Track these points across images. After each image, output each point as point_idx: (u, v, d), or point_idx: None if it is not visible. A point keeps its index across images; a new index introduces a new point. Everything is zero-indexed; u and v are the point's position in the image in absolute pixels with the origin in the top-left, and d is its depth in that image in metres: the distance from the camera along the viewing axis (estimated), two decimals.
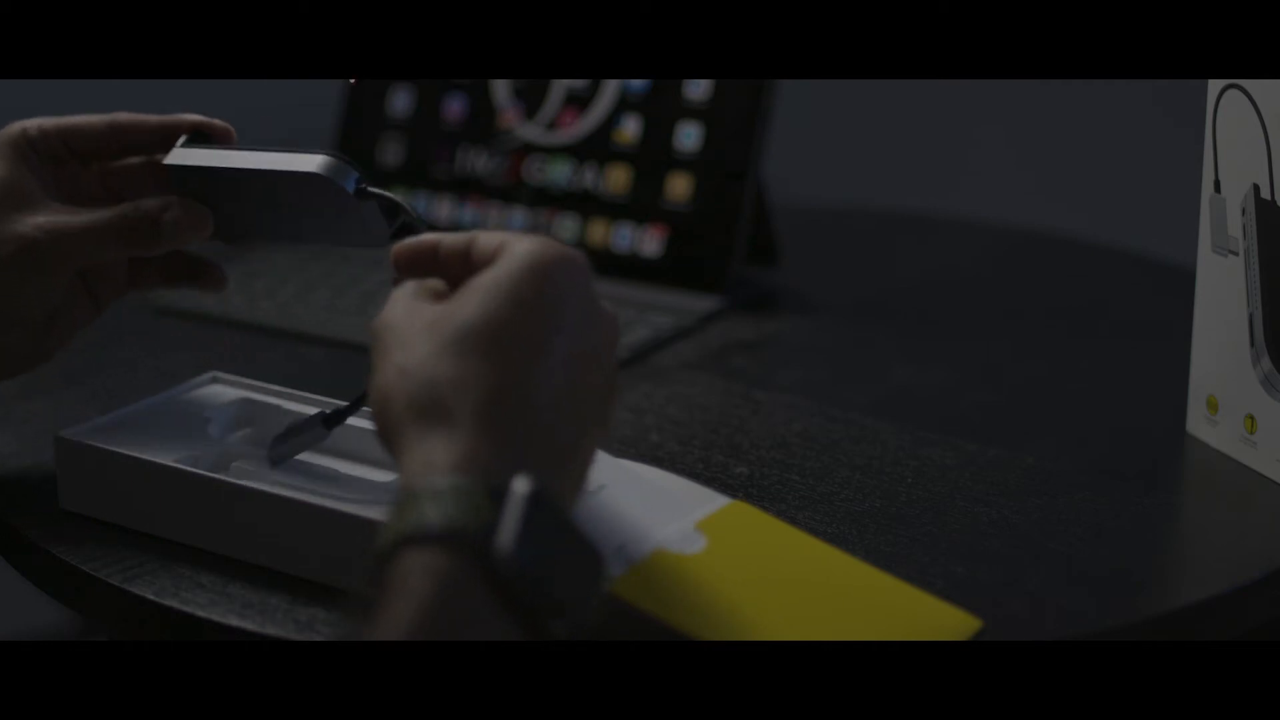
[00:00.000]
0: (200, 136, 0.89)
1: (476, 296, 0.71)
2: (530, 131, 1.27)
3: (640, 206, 1.23)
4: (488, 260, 0.73)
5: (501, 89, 1.28)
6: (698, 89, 1.22)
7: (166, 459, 0.85)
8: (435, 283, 0.74)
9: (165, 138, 0.89)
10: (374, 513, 0.78)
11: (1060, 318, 1.19)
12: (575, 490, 0.71)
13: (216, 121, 0.89)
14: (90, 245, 0.86)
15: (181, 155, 0.88)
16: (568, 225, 1.24)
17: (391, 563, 0.64)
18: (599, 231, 1.24)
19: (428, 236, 0.76)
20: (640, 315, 1.16)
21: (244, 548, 0.83)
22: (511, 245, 0.72)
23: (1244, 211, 0.91)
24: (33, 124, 0.88)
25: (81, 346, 0.93)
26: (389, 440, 0.70)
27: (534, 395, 0.69)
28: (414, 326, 0.71)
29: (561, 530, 0.67)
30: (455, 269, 0.74)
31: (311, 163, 0.84)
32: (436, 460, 0.67)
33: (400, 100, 1.31)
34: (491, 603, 0.64)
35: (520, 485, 0.66)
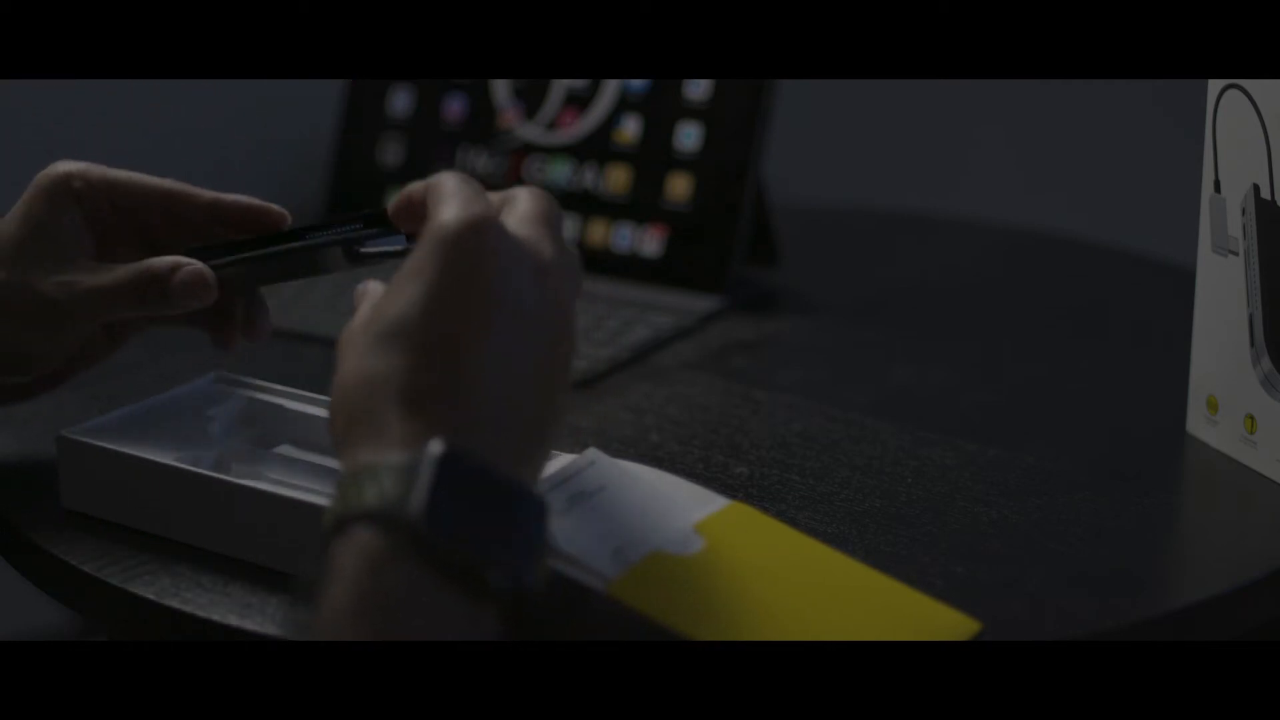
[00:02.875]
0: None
1: (391, 291, 0.71)
2: (530, 131, 1.27)
3: (640, 206, 1.23)
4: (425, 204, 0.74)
5: (501, 89, 1.28)
6: (698, 89, 1.22)
7: (168, 458, 0.85)
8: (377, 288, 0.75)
9: (213, 215, 0.89)
10: None
11: (1060, 318, 1.19)
12: (530, 448, 0.71)
13: (273, 207, 0.89)
14: (103, 307, 0.86)
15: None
16: (568, 225, 1.24)
17: (328, 554, 0.66)
18: (599, 231, 1.24)
19: (407, 188, 0.78)
20: (640, 315, 1.16)
21: (244, 547, 0.83)
22: (430, 219, 0.72)
23: (1244, 211, 0.91)
24: (78, 172, 0.88)
25: None
26: (339, 454, 0.70)
27: (457, 374, 0.69)
28: (346, 340, 0.72)
29: (490, 485, 0.67)
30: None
31: (392, 242, 0.84)
32: (360, 453, 0.68)
33: (400, 100, 1.31)
34: (422, 569, 0.64)
35: (434, 448, 0.66)
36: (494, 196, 0.76)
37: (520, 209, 0.74)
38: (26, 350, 0.87)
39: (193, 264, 0.86)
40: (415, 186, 0.77)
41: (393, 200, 0.79)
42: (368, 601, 0.64)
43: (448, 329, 0.70)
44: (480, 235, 0.71)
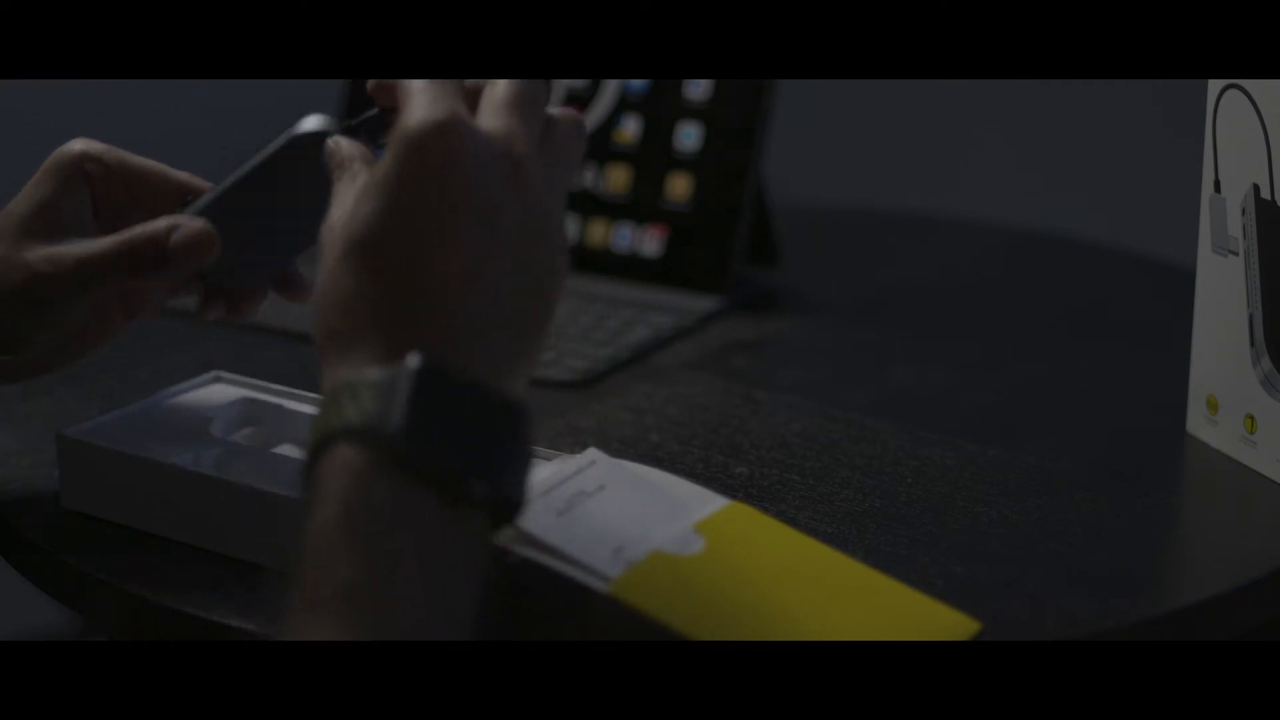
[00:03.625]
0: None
1: (360, 202, 0.69)
2: None
3: (640, 206, 1.23)
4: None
5: None
6: (698, 89, 1.23)
7: (168, 458, 0.85)
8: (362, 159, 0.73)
9: None
10: None
11: (1060, 318, 1.19)
12: (516, 358, 0.69)
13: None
14: (92, 277, 0.83)
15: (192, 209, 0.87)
16: (568, 225, 1.24)
17: (312, 472, 0.65)
18: (599, 231, 1.24)
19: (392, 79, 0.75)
20: (640, 315, 1.16)
21: (244, 547, 0.83)
22: (398, 126, 0.70)
23: (1244, 211, 0.91)
24: (95, 154, 0.86)
25: None
26: (320, 362, 0.70)
27: (427, 286, 0.67)
28: (325, 242, 0.70)
29: (468, 397, 0.66)
30: None
31: (291, 132, 0.83)
32: (338, 371, 0.67)
33: None
34: (405, 482, 0.64)
35: (411, 362, 0.66)
36: (469, 85, 0.73)
37: (494, 98, 0.72)
38: (14, 328, 0.85)
39: (191, 220, 0.84)
40: (398, 80, 0.73)
41: (374, 81, 0.77)
42: (354, 516, 0.63)
43: (415, 241, 0.68)
44: (445, 137, 0.68)
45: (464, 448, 0.65)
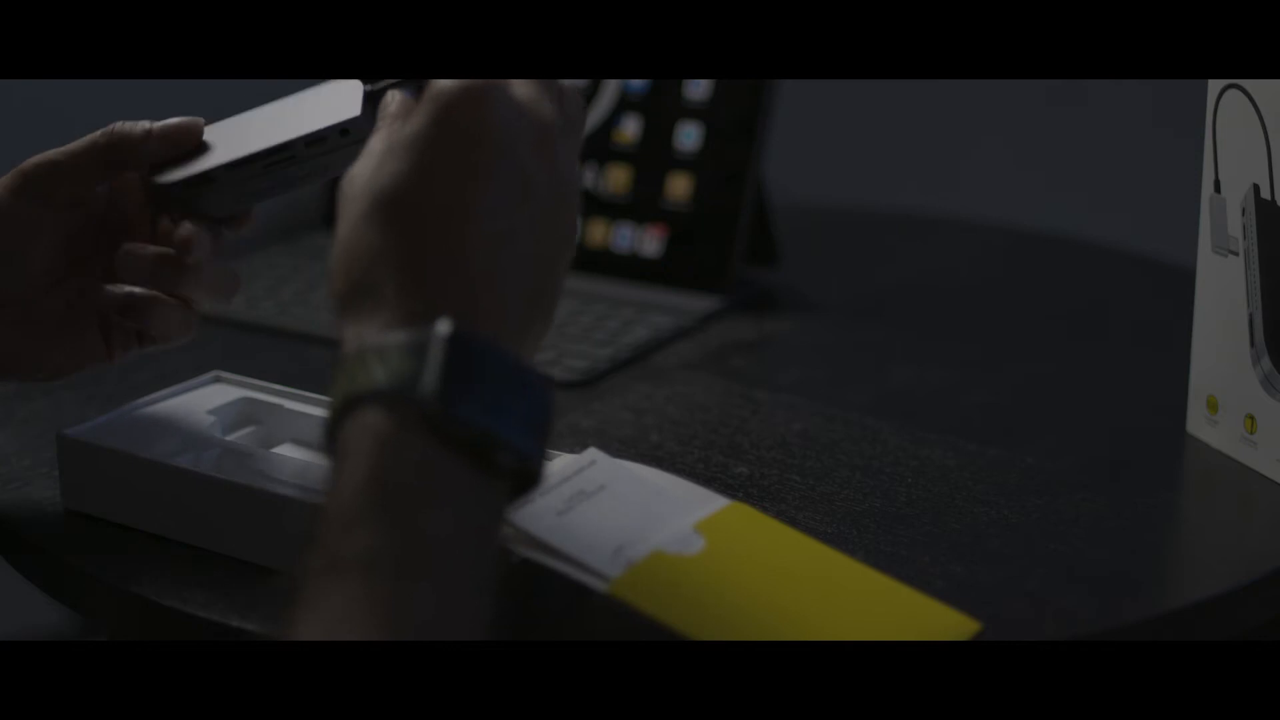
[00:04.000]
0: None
1: (387, 159, 0.70)
2: None
3: (640, 206, 1.23)
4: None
5: None
6: (698, 89, 1.23)
7: (168, 458, 0.85)
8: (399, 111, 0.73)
9: (155, 147, 0.86)
10: None
11: (1060, 318, 1.19)
12: (533, 323, 0.70)
13: (192, 119, 0.86)
14: (66, 181, 0.84)
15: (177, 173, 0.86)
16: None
17: (336, 434, 0.65)
18: (599, 231, 1.24)
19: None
20: (640, 315, 1.16)
21: (244, 547, 0.83)
22: (431, 87, 0.71)
23: (1244, 211, 0.91)
24: (23, 179, 0.86)
25: None
26: (336, 315, 0.70)
27: (457, 245, 0.68)
28: (347, 195, 0.70)
29: (496, 364, 0.66)
30: None
31: (345, 110, 0.82)
32: (364, 329, 0.67)
33: None
34: (434, 450, 0.64)
35: (441, 328, 0.66)
36: None
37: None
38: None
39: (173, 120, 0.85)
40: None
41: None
42: (382, 480, 0.63)
43: (445, 200, 0.68)
44: (479, 101, 0.70)
45: (495, 414, 0.65)
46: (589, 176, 1.25)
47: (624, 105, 1.24)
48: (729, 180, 1.21)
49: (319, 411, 0.90)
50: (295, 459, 0.87)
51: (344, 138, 0.83)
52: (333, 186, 1.33)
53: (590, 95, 1.25)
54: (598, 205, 1.24)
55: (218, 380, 0.94)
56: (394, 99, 0.75)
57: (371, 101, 0.81)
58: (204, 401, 0.91)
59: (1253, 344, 0.92)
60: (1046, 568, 0.83)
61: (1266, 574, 0.83)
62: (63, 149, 0.86)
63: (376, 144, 0.72)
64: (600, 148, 1.25)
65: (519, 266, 0.69)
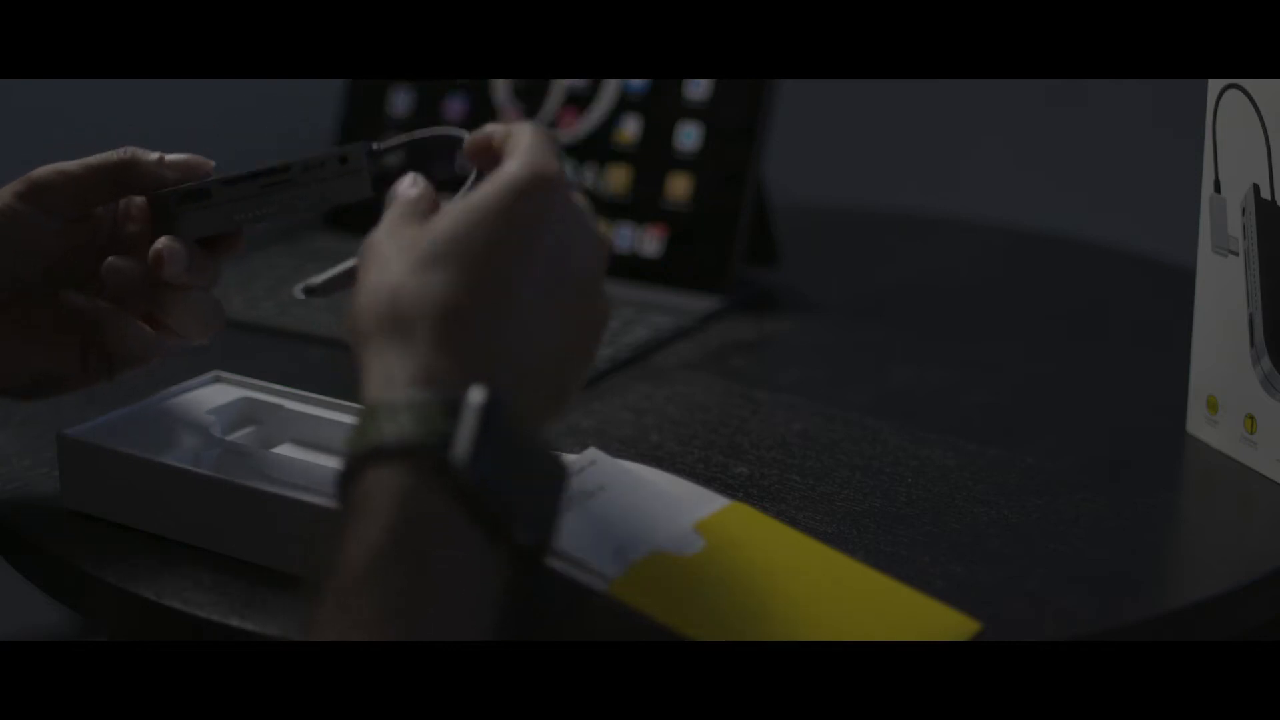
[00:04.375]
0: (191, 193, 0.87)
1: (450, 216, 0.71)
2: None
3: (640, 206, 1.23)
4: (501, 151, 0.75)
5: (501, 89, 1.28)
6: (698, 89, 1.23)
7: (168, 458, 0.85)
8: (427, 203, 0.75)
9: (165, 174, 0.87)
10: None
11: (1060, 318, 1.19)
12: (550, 410, 0.72)
13: (199, 158, 0.88)
14: (91, 184, 0.85)
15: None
16: None
17: (354, 482, 0.65)
18: None
19: (487, 128, 0.77)
20: (640, 315, 1.16)
21: (244, 547, 0.83)
22: (505, 162, 0.73)
23: (1244, 211, 0.91)
24: (32, 187, 0.86)
25: None
26: (357, 353, 0.70)
27: (499, 310, 0.69)
28: (392, 246, 0.72)
29: (519, 441, 0.67)
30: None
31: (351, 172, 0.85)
32: (395, 374, 0.67)
33: (400, 100, 1.31)
34: (453, 515, 0.64)
35: (475, 396, 0.66)
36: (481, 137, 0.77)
37: (540, 140, 0.75)
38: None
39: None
40: (495, 128, 0.77)
41: (470, 138, 0.78)
42: (401, 539, 0.63)
43: (500, 262, 0.70)
44: (550, 190, 0.72)
45: (515, 489, 0.66)
46: (589, 176, 1.25)
47: (624, 105, 1.24)
48: (729, 180, 1.21)
49: (319, 411, 0.90)
50: (295, 459, 0.87)
51: (341, 165, 0.85)
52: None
53: (590, 95, 1.25)
54: (598, 205, 1.24)
55: (218, 380, 0.94)
56: (401, 187, 0.76)
57: (374, 157, 0.85)
58: (204, 401, 0.91)
59: (1253, 344, 0.92)
60: (1046, 568, 0.83)
61: (1266, 574, 0.83)
62: (77, 162, 0.86)
63: (400, 203, 0.74)
64: (600, 148, 1.25)
65: (549, 347, 0.71)
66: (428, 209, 0.74)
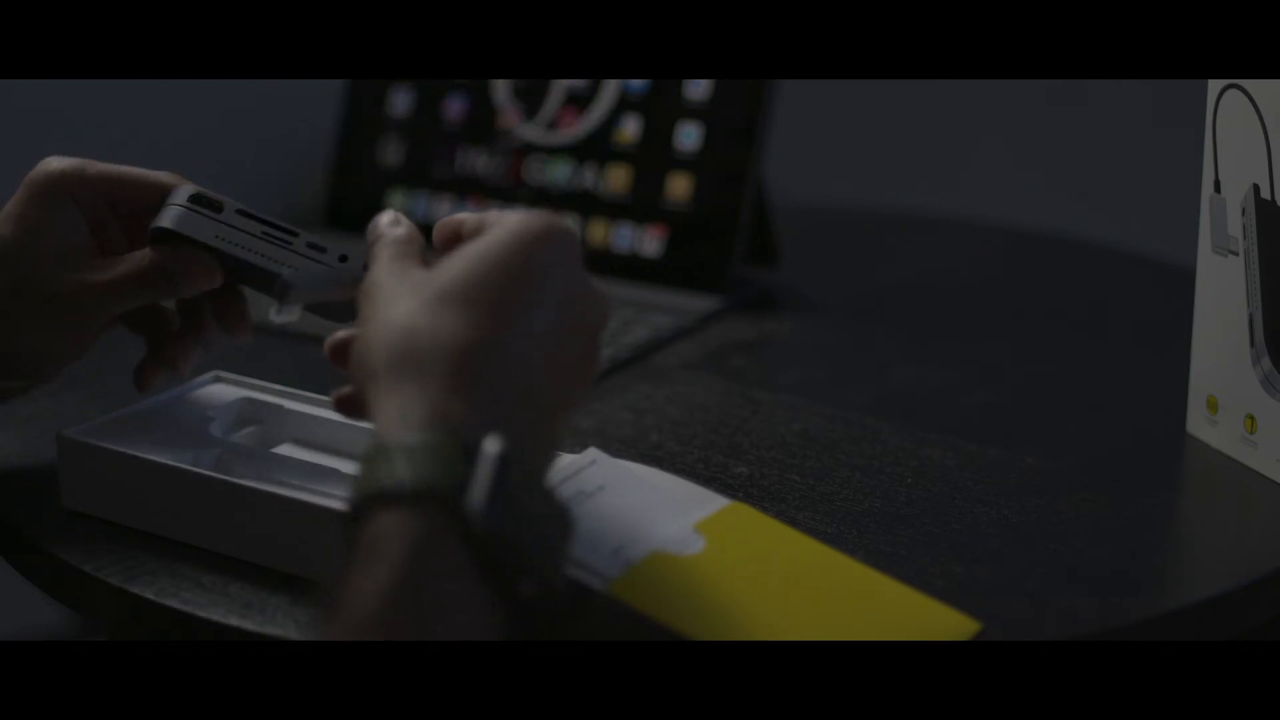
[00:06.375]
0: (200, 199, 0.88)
1: (462, 259, 0.71)
2: (530, 131, 1.27)
3: (640, 206, 1.23)
4: (475, 233, 0.74)
5: (501, 89, 1.28)
6: (698, 89, 1.23)
7: (169, 458, 0.85)
8: (417, 244, 0.76)
9: None
10: None
11: (1060, 318, 1.19)
12: (548, 453, 0.72)
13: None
14: (113, 302, 0.86)
15: (177, 219, 0.87)
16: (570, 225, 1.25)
17: (365, 521, 0.65)
18: (599, 231, 1.24)
19: (455, 216, 0.77)
20: (640, 315, 1.16)
21: (244, 547, 0.83)
22: (504, 217, 0.74)
23: (1244, 211, 0.91)
24: (73, 170, 0.87)
25: None
26: (367, 390, 0.70)
27: (511, 355, 0.69)
28: (401, 285, 0.72)
29: (532, 490, 0.67)
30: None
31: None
32: (410, 413, 0.67)
33: (400, 100, 1.31)
34: (464, 562, 0.64)
35: (491, 444, 0.66)
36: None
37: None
38: (39, 349, 0.86)
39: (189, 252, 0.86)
40: (467, 217, 0.77)
41: (438, 225, 0.78)
42: (411, 582, 0.63)
43: (516, 306, 0.70)
44: (564, 239, 0.73)
45: (527, 540, 0.66)
46: (589, 177, 1.25)
47: (624, 105, 1.24)
48: (729, 180, 1.21)
49: (319, 411, 0.90)
50: (295, 459, 0.87)
51: (340, 262, 0.86)
52: (333, 172, 1.33)
53: (590, 95, 1.25)
54: (598, 205, 1.24)
55: (218, 380, 0.94)
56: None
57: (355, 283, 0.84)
58: (204, 401, 0.91)
59: (1253, 344, 0.92)
60: (1046, 568, 0.83)
61: (1266, 574, 0.83)
62: (137, 178, 0.88)
63: (463, 250, 0.73)
64: (600, 148, 1.25)
65: (548, 391, 0.71)
66: (421, 248, 0.75)
